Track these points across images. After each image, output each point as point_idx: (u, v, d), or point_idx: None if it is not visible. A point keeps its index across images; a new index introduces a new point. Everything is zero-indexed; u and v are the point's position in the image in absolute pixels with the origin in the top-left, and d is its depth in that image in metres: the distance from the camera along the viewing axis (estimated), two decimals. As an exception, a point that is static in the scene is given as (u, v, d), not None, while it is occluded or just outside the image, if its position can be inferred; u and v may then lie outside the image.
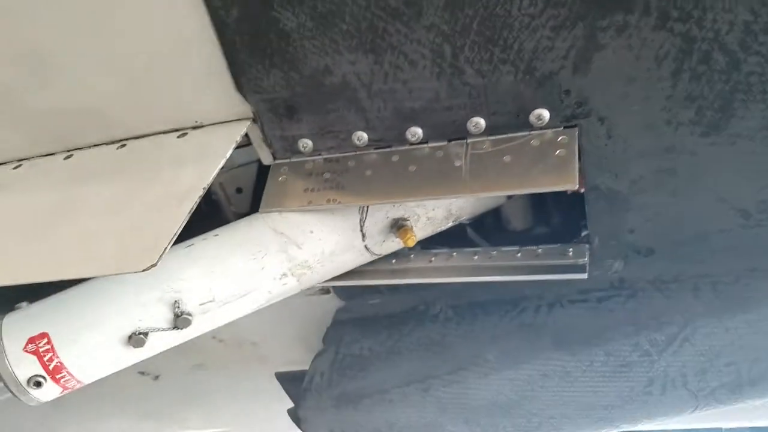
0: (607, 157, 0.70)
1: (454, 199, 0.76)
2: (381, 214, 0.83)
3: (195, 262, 0.78)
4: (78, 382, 0.80)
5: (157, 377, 1.39)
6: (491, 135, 0.73)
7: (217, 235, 0.81)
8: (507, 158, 0.71)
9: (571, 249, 0.78)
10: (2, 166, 0.97)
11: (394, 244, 0.85)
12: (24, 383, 0.77)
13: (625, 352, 0.77)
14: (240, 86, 0.78)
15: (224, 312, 0.80)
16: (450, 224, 0.87)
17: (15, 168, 0.94)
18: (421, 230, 0.84)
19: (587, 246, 0.78)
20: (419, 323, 0.88)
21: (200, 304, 0.77)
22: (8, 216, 0.83)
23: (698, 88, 0.64)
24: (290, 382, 1.05)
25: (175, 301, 0.76)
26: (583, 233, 0.80)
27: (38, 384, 0.77)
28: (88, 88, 0.86)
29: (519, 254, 0.80)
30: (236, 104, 0.81)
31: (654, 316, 0.76)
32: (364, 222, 0.82)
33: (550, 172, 0.68)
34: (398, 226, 0.83)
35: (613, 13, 0.62)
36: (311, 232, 0.81)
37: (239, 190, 1.10)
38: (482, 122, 0.73)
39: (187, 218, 0.67)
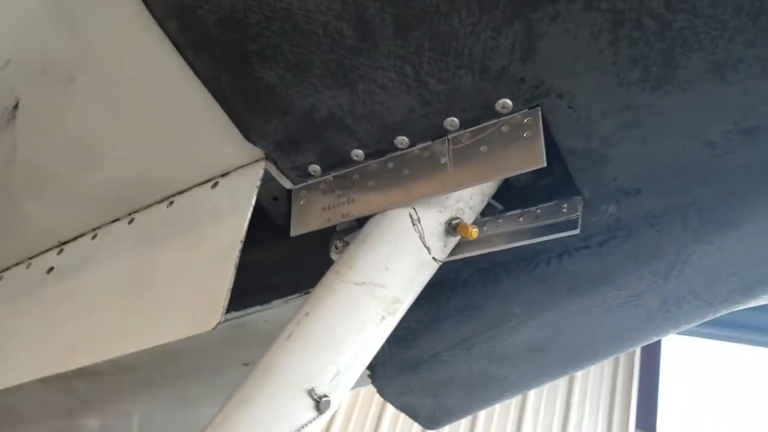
0: (573, 125, 0.78)
1: (444, 194, 0.85)
2: (433, 224, 0.87)
3: (307, 349, 0.79)
4: None
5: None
6: (467, 128, 0.82)
7: (307, 314, 0.83)
8: (483, 148, 0.80)
9: (565, 205, 0.86)
10: (83, 237, 1.15)
11: (451, 244, 0.91)
12: None
13: (632, 285, 0.86)
14: (248, 136, 0.90)
15: (351, 376, 0.82)
16: (485, 204, 0.92)
17: (93, 238, 1.12)
18: (468, 220, 0.89)
19: (580, 198, 0.86)
20: (453, 290, 1.00)
21: (330, 381, 0.79)
22: (96, 290, 1.00)
23: (638, 51, 0.69)
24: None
25: (309, 390, 0.77)
26: None
27: None
28: (130, 162, 1.01)
29: (521, 218, 0.89)
30: (250, 150, 0.93)
31: (650, 250, 0.84)
32: (423, 238, 0.86)
33: (520, 155, 0.77)
34: (454, 226, 0.87)
35: (543, 5, 0.68)
36: (387, 268, 0.84)
37: (275, 198, 1.23)
38: (456, 120, 0.81)
39: (234, 273, 0.81)
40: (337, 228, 1.02)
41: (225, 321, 1.37)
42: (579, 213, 0.84)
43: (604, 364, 7.03)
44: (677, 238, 0.82)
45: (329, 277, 0.85)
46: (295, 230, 0.94)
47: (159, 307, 0.87)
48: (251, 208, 0.88)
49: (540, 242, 0.92)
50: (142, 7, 0.80)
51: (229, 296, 0.79)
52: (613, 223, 0.87)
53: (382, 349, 1.06)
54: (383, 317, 0.83)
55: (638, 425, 7.16)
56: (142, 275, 0.94)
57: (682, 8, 0.65)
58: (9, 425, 1.75)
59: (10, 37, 0.86)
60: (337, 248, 0.96)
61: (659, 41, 0.68)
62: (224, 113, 0.89)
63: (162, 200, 1.05)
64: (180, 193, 1.03)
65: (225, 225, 0.89)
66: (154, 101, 0.92)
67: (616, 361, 7.07)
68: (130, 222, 1.07)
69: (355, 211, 0.89)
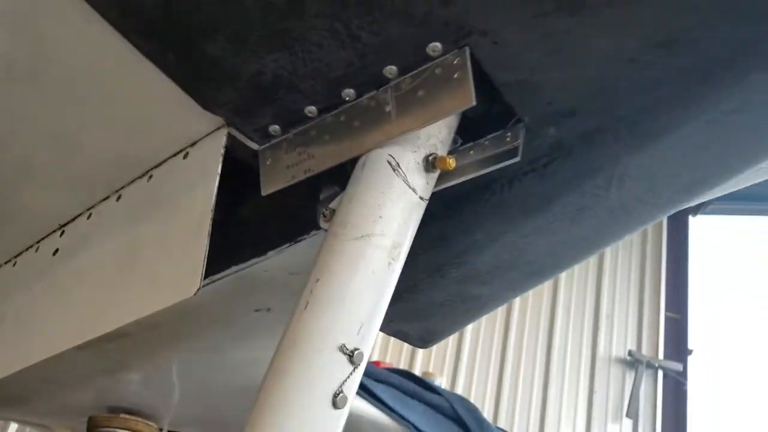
0: (501, 59, 0.81)
1: (389, 139, 0.89)
2: (412, 164, 0.88)
3: (326, 312, 0.81)
4: None
5: (269, 309, 1.71)
6: (406, 74, 0.86)
7: (318, 279, 0.84)
8: (421, 92, 0.84)
9: (509, 134, 0.90)
10: (80, 216, 1.24)
11: (433, 180, 0.92)
12: None
13: (577, 200, 0.91)
14: (205, 106, 0.96)
15: (375, 324, 0.85)
16: (452, 137, 0.93)
17: (88, 218, 1.20)
18: (442, 153, 0.90)
19: (522, 126, 0.90)
20: (424, 225, 1.06)
21: (357, 334, 0.81)
22: (98, 266, 1.09)
23: None
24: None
25: (340, 347, 0.79)
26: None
27: None
28: (105, 144, 1.07)
29: (472, 151, 0.94)
30: (211, 118, 0.98)
31: (588, 166, 0.88)
32: (407, 180, 0.88)
33: (453, 95, 0.81)
34: (432, 162, 0.89)
35: None
36: (381, 217, 0.86)
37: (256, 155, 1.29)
38: (394, 68, 0.85)
39: (209, 241, 0.88)
40: (321, 197, 1.05)
41: (231, 274, 1.47)
42: (520, 141, 0.89)
43: (632, 250, 7.19)
44: (612, 152, 0.87)
45: (328, 240, 0.88)
46: (265, 189, 1.00)
47: (149, 278, 0.96)
48: (218, 176, 0.94)
49: (493, 171, 0.97)
50: (85, 4, 0.83)
51: (205, 263, 0.86)
52: (555, 144, 0.91)
53: None
54: (389, 263, 0.86)
55: (669, 308, 7.36)
56: (133, 249, 1.03)
57: None
58: (55, 390, 1.91)
59: (-30, 46, 0.91)
60: (325, 216, 0.98)
61: None
62: (181, 90, 0.94)
63: (142, 175, 1.12)
64: (157, 166, 1.10)
65: (197, 194, 0.96)
66: (115, 84, 0.97)
67: (644, 245, 7.21)
68: (118, 199, 1.15)
69: (315, 166, 0.94)
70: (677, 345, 7.32)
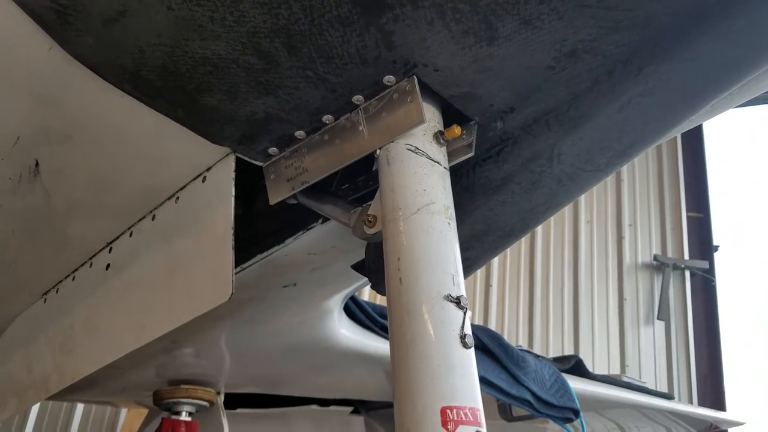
0: (443, 80, 0.98)
1: (365, 153, 1.06)
2: (427, 144, 1.01)
3: (420, 277, 0.90)
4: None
5: (295, 284, 1.94)
6: (371, 100, 1.04)
7: (399, 258, 0.93)
8: (384, 114, 1.02)
9: (464, 130, 1.08)
10: (123, 235, 1.46)
11: (445, 151, 1.05)
12: None
13: (527, 178, 1.09)
14: (213, 140, 1.16)
15: (460, 273, 0.94)
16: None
17: (130, 236, 1.42)
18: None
19: (474, 123, 1.08)
20: None
21: (453, 286, 0.90)
22: (145, 278, 1.32)
23: (465, 25, 0.88)
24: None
25: (446, 296, 0.88)
26: None
27: None
28: (137, 180, 1.29)
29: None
30: (219, 148, 1.19)
31: (530, 151, 1.05)
32: (430, 156, 1.00)
33: (408, 115, 0.99)
34: (441, 135, 1.03)
35: (385, 13, 0.88)
36: (425, 190, 0.97)
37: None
38: (360, 96, 1.03)
39: (233, 253, 1.09)
40: (352, 221, 1.16)
41: (257, 262, 1.69)
42: (473, 137, 1.07)
43: (648, 155, 7.26)
44: (547, 139, 1.05)
45: (390, 228, 0.98)
46: (272, 200, 1.21)
47: (189, 287, 1.18)
48: (233, 197, 1.15)
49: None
50: (101, 80, 1.03)
51: (234, 272, 1.08)
52: (503, 135, 1.09)
53: (377, 260, 1.35)
54: (448, 223, 0.97)
55: (690, 209, 7.46)
56: (172, 262, 1.25)
57: None
58: (120, 373, 2.20)
59: (15, 123, 1.12)
60: (369, 223, 1.07)
61: (476, 14, 0.87)
62: (191, 131, 1.14)
63: (170, 197, 1.33)
64: (181, 189, 1.31)
65: (218, 213, 1.17)
66: (136, 134, 1.17)
67: (659, 148, 7.26)
68: (153, 219, 1.37)
69: (309, 177, 1.14)
70: (702, 244, 7.47)
